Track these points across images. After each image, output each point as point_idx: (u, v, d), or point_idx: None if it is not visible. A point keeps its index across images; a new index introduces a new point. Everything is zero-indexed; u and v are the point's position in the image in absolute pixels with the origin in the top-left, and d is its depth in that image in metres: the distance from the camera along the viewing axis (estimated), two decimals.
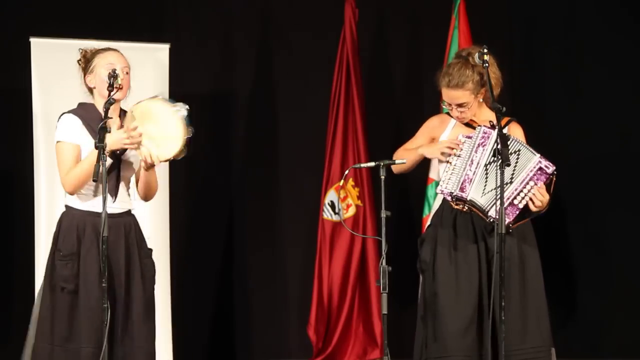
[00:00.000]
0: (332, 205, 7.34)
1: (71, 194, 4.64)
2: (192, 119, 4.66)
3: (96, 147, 4.43)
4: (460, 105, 4.97)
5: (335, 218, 7.34)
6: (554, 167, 4.83)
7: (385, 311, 4.80)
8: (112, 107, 4.54)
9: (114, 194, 4.69)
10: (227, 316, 7.62)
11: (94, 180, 4.43)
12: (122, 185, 4.74)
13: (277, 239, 7.68)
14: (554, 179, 4.84)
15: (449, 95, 4.98)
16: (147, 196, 4.84)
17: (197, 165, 7.28)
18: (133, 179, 4.84)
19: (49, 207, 6.67)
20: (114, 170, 4.68)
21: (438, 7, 7.52)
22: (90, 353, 4.51)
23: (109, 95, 4.53)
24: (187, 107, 4.64)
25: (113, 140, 4.55)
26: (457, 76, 4.95)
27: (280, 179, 7.69)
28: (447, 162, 4.90)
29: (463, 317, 4.85)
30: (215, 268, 7.62)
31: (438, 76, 5.04)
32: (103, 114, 4.49)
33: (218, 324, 7.61)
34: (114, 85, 4.55)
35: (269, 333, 7.63)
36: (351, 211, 7.37)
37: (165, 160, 4.66)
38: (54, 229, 6.71)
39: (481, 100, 4.99)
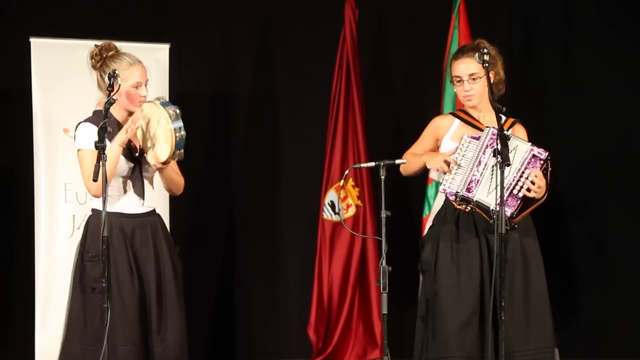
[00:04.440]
0: (332, 205, 7.33)
1: (97, 196, 4.64)
2: (187, 121, 4.66)
3: (96, 147, 4.45)
4: (472, 78, 4.95)
5: (335, 218, 7.33)
6: (547, 153, 4.83)
7: (385, 311, 4.80)
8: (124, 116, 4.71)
9: (142, 194, 4.76)
10: (227, 316, 7.62)
11: (94, 180, 4.44)
12: (146, 185, 4.79)
13: (277, 239, 7.68)
14: (549, 167, 4.84)
15: (460, 66, 4.97)
16: (172, 190, 4.93)
17: (197, 166, 7.28)
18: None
19: (49, 207, 6.68)
20: (136, 172, 4.75)
21: (438, 7, 7.52)
22: (127, 351, 4.59)
23: (109, 95, 4.56)
24: (177, 109, 4.65)
25: (120, 136, 4.63)
26: (472, 46, 4.99)
27: (281, 179, 7.68)
28: (444, 172, 4.89)
29: (464, 318, 4.85)
30: (215, 268, 7.61)
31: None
32: (103, 115, 4.53)
33: (218, 324, 7.60)
34: (114, 86, 4.58)
35: (269, 333, 7.63)
36: (351, 211, 7.37)
37: (165, 162, 4.66)
38: (54, 228, 6.75)
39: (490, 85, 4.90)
